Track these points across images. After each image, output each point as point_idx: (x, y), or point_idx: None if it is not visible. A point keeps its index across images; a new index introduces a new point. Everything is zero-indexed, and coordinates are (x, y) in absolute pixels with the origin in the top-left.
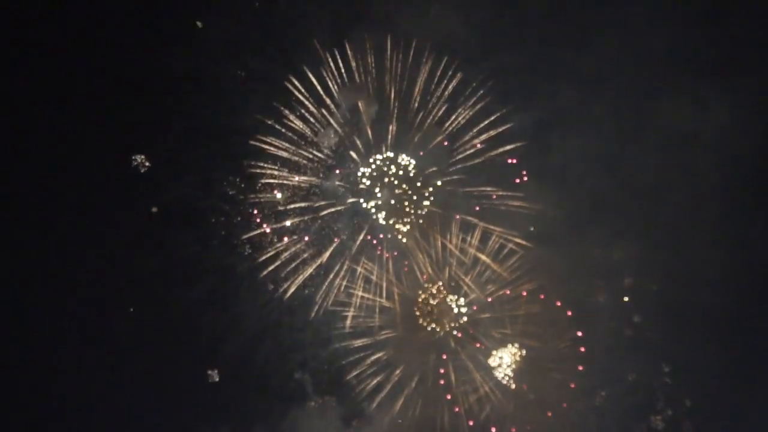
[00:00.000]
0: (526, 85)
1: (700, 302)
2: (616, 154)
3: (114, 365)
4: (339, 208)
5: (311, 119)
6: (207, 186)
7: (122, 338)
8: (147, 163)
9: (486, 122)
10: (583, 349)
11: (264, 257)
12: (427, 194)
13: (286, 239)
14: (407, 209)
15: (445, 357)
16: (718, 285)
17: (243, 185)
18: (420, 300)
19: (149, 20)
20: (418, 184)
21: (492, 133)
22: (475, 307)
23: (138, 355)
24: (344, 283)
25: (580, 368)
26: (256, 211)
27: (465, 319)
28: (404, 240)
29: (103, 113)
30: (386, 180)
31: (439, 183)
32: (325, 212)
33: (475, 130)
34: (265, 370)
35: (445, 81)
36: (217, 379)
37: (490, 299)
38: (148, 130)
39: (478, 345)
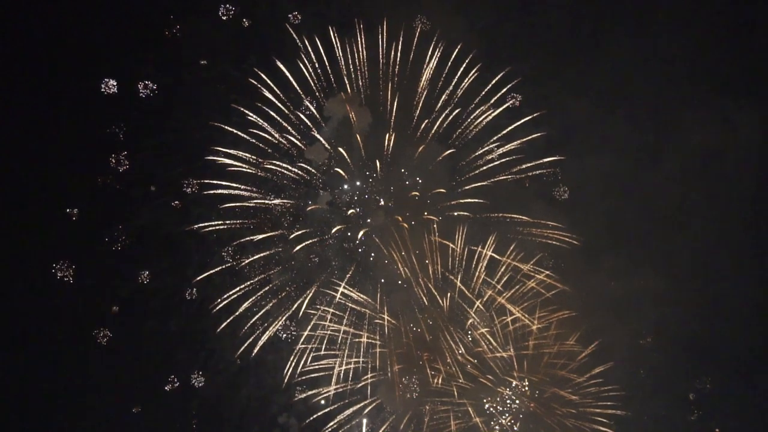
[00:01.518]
0: (539, 100)
1: (727, 340)
2: (635, 177)
3: (82, 407)
4: (326, 236)
5: (295, 133)
6: (182, 211)
7: (91, 376)
8: (117, 186)
9: (498, 136)
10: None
11: (245, 289)
12: (433, 222)
13: (270, 269)
14: (406, 239)
15: (428, 406)
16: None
17: (221, 210)
18: (413, 337)
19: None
20: (426, 214)
21: (500, 151)
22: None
23: (108, 397)
24: (332, 318)
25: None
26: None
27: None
28: (401, 272)
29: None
30: (381, 203)
31: (456, 214)
32: (310, 241)
33: (492, 144)
34: (246, 413)
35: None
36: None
37: (489, 327)
38: (120, 147)
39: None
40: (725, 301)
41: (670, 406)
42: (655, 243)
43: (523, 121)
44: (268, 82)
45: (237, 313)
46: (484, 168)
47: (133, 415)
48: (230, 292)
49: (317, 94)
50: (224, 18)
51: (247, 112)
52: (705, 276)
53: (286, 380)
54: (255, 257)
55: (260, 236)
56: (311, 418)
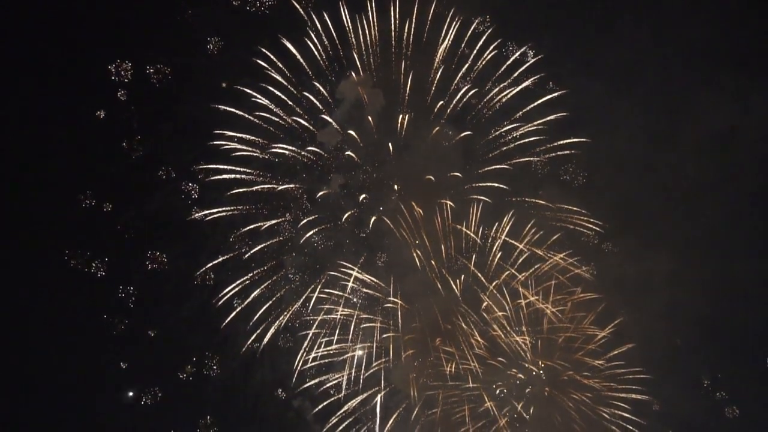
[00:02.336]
0: (552, 80)
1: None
2: (649, 157)
3: (88, 386)
4: (339, 222)
5: (306, 115)
6: (195, 196)
7: (98, 357)
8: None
9: (516, 116)
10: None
11: (259, 275)
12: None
13: (282, 254)
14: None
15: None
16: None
17: (232, 196)
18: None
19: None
20: (441, 199)
21: (517, 133)
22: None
23: (123, 383)
24: (345, 303)
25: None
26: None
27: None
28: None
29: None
30: (395, 187)
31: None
32: (322, 227)
33: (510, 125)
34: (260, 397)
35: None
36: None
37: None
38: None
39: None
40: (740, 281)
41: (686, 387)
42: (670, 224)
43: (544, 99)
44: (278, 64)
45: (250, 299)
46: (496, 153)
47: (148, 400)
48: (244, 278)
49: (330, 77)
50: (235, 3)
51: (256, 95)
52: (719, 257)
53: (299, 365)
54: (267, 243)
55: (272, 222)
56: (325, 403)
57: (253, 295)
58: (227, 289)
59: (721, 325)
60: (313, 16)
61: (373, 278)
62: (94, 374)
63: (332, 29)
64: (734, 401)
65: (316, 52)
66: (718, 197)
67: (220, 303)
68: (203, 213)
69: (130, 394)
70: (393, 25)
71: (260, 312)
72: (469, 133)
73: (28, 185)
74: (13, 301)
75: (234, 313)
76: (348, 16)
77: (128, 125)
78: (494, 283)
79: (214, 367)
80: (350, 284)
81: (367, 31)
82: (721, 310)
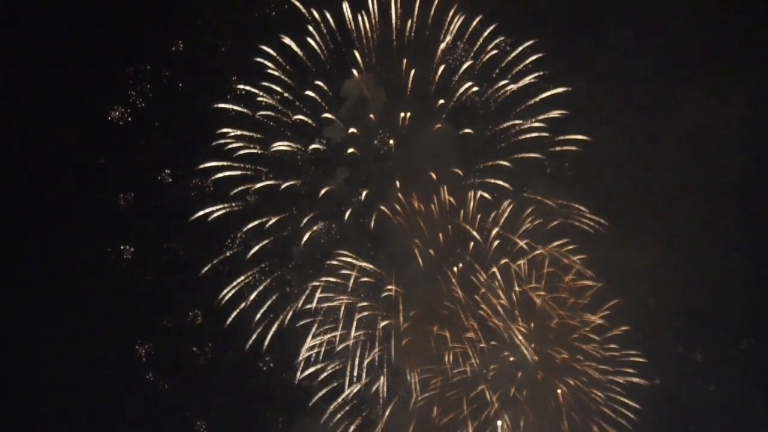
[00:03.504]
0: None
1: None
2: (630, 152)
3: (108, 372)
4: (342, 217)
5: (310, 112)
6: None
7: (118, 343)
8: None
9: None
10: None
11: (267, 267)
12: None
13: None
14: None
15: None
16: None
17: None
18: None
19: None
20: (443, 194)
21: (513, 131)
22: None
23: (133, 368)
24: (348, 292)
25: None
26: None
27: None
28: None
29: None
30: (397, 183)
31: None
32: (325, 222)
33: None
34: (269, 378)
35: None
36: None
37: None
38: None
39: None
40: (719, 269)
41: (670, 369)
42: (656, 217)
43: (542, 96)
44: (280, 60)
45: (260, 288)
46: (495, 150)
47: (164, 384)
48: (252, 271)
49: (336, 80)
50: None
51: (260, 93)
52: (702, 249)
53: (303, 354)
54: (273, 238)
55: (278, 217)
56: (328, 388)
57: (261, 287)
58: (236, 281)
59: (703, 311)
60: (315, 14)
61: (374, 267)
62: (113, 360)
63: (334, 27)
64: (715, 382)
65: (318, 50)
66: (699, 191)
67: (229, 295)
68: (207, 210)
69: (149, 377)
70: (394, 23)
71: (268, 302)
72: (469, 131)
73: (47, 184)
74: (36, 293)
75: (244, 304)
76: (350, 14)
77: (139, 125)
78: (490, 270)
79: (226, 353)
80: (353, 274)
81: (368, 29)
82: (702, 297)
